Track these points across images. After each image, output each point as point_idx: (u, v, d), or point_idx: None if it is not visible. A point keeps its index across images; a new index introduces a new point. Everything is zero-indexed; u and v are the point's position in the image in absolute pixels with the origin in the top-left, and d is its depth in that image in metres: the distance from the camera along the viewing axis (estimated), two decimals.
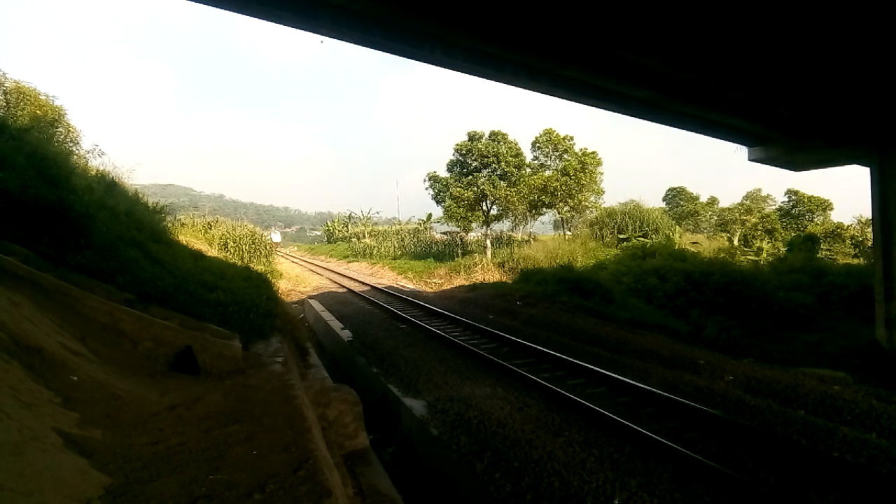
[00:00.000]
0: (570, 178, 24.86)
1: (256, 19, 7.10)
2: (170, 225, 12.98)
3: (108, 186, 9.38)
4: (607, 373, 6.23)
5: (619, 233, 24.32)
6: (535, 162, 27.36)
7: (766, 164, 14.44)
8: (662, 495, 3.54)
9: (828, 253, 25.74)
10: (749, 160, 14.28)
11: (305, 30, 7.32)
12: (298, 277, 23.88)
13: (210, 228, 22.25)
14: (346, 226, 54.68)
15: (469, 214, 26.32)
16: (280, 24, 7.27)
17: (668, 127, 12.42)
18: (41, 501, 1.50)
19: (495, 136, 26.80)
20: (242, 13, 7.00)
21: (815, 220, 34.60)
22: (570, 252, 21.52)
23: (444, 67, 8.71)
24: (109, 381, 2.76)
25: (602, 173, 26.22)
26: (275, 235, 59.80)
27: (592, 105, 10.97)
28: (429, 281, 22.05)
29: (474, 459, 4.13)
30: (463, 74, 9.25)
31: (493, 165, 26.21)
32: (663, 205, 42.75)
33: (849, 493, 3.62)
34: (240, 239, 22.32)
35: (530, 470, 3.89)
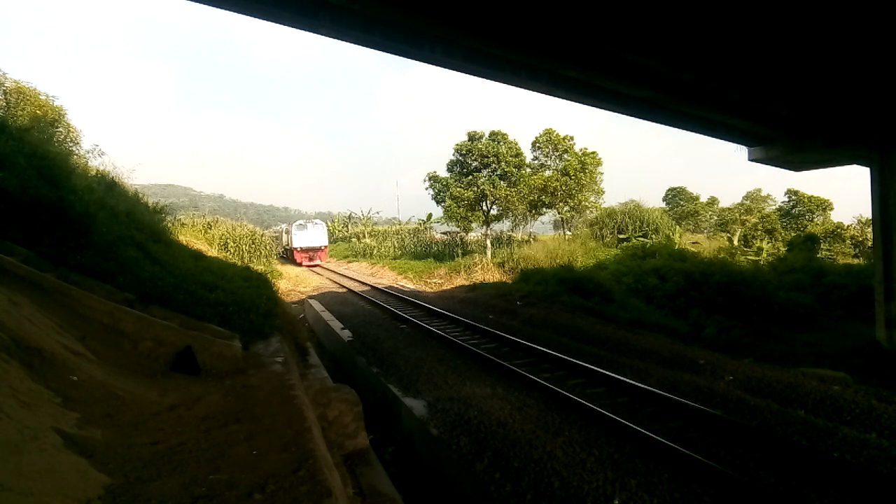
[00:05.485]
0: (570, 178, 24.86)
1: (256, 19, 7.12)
2: (170, 225, 12.99)
3: (108, 186, 9.38)
4: (607, 373, 6.22)
5: (619, 233, 24.31)
6: (535, 162, 27.34)
7: (767, 164, 14.44)
8: (662, 495, 3.54)
9: (828, 253, 25.76)
10: (749, 160, 14.28)
11: (305, 30, 7.33)
12: (298, 277, 23.90)
13: (210, 228, 22.30)
14: (346, 226, 54.47)
15: (469, 214, 26.29)
16: (280, 24, 7.28)
17: (668, 127, 12.44)
18: (41, 501, 1.50)
19: (495, 136, 26.76)
20: (242, 13, 7.01)
21: (815, 220, 34.60)
22: (570, 252, 21.51)
23: (444, 67, 8.72)
24: (109, 381, 2.76)
25: (602, 173, 26.25)
26: (316, 231, 31.70)
27: (592, 105, 10.98)
28: (429, 281, 22.04)
29: (474, 459, 4.13)
30: (463, 74, 9.27)
31: (493, 165, 26.17)
32: (663, 205, 42.72)
33: (849, 493, 3.62)
34: (240, 239, 22.40)
35: (530, 470, 3.89)
